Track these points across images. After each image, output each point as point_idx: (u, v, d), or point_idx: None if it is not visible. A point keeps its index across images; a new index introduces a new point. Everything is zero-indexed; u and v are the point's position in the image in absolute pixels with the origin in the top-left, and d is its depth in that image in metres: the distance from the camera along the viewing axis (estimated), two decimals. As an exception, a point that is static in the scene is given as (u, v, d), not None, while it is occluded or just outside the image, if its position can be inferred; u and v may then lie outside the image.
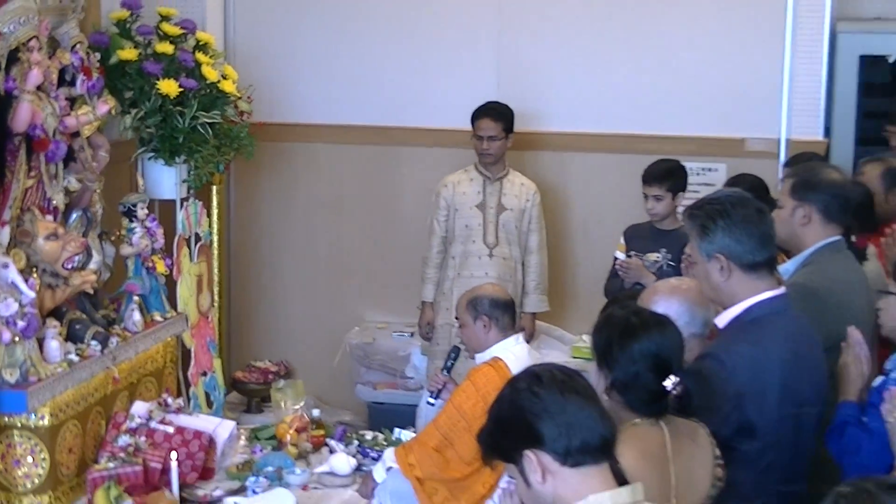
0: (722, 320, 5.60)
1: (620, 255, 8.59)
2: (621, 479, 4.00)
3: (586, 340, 9.15)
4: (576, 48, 10.03)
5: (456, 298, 8.56)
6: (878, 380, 5.83)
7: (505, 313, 6.69)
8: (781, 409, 5.48)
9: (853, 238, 7.41)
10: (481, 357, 6.60)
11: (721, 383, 5.26)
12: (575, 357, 9.19)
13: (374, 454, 6.94)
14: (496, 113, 9.40)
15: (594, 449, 3.84)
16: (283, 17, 10.35)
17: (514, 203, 9.45)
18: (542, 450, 3.81)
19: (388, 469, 6.31)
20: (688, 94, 9.88)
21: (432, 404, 7.15)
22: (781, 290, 5.66)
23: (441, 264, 9.53)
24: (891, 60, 10.57)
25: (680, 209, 8.15)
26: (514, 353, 6.48)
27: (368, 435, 7.51)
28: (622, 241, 8.72)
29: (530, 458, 3.83)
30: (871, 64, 10.45)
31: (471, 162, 9.57)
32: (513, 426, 3.91)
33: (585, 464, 3.83)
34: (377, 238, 10.34)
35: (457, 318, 7.14)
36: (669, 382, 4.74)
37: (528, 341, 9.09)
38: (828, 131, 10.15)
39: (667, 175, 8.64)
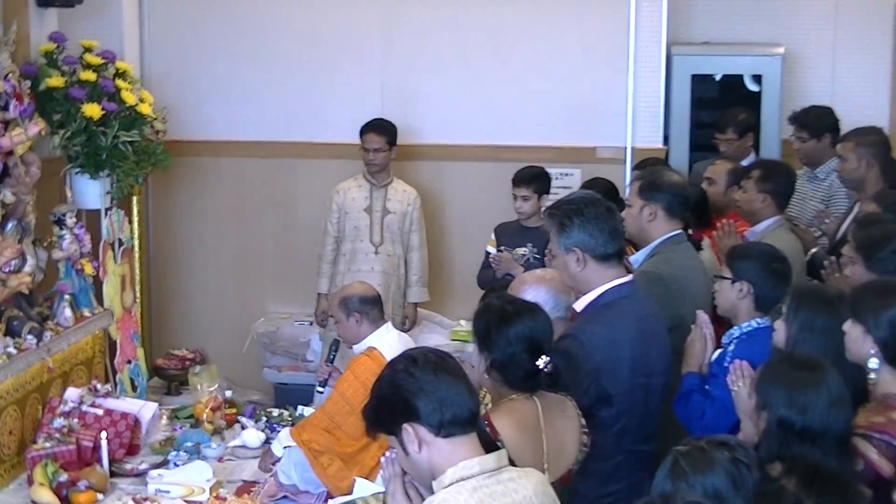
0: (579, 305, 5.67)
1: (492, 250, 8.64)
2: (488, 447, 4.09)
3: (463, 325, 9.24)
4: (450, 71, 10.08)
5: (347, 292, 8.65)
6: (717, 353, 5.94)
7: (374, 307, 6.71)
8: (633, 380, 5.57)
9: (691, 231, 7.54)
10: (358, 348, 6.62)
11: (580, 360, 5.34)
12: (453, 340, 9.24)
13: (280, 429, 6.94)
14: (381, 128, 9.47)
15: (464, 421, 3.92)
16: (192, 46, 10.33)
17: (397, 207, 9.51)
18: (419, 423, 3.90)
19: (286, 448, 6.32)
20: (546, 110, 9.96)
21: (321, 392, 7.17)
22: (629, 277, 5.77)
23: (334, 261, 9.56)
24: (717, 79, 10.80)
25: (543, 209, 8.21)
26: (386, 341, 6.51)
27: (275, 412, 7.53)
28: (493, 237, 8.77)
29: (408, 430, 3.91)
30: (700, 82, 10.63)
31: (360, 171, 9.60)
32: (392, 403, 3.98)
33: (456, 434, 3.91)
34: (278, 239, 10.34)
35: (331, 316, 7.14)
36: (542, 362, 4.80)
37: (411, 328, 9.17)
38: (666, 140, 10.29)
39: (533, 179, 8.72)
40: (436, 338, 9.28)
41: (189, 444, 6.88)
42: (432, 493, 3.93)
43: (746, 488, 3.64)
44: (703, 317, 5.94)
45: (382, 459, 4.19)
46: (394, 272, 9.43)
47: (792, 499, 3.89)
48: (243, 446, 6.91)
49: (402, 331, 7.79)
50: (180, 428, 7.22)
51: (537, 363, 4.80)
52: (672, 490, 3.54)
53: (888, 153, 8.32)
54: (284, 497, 6.13)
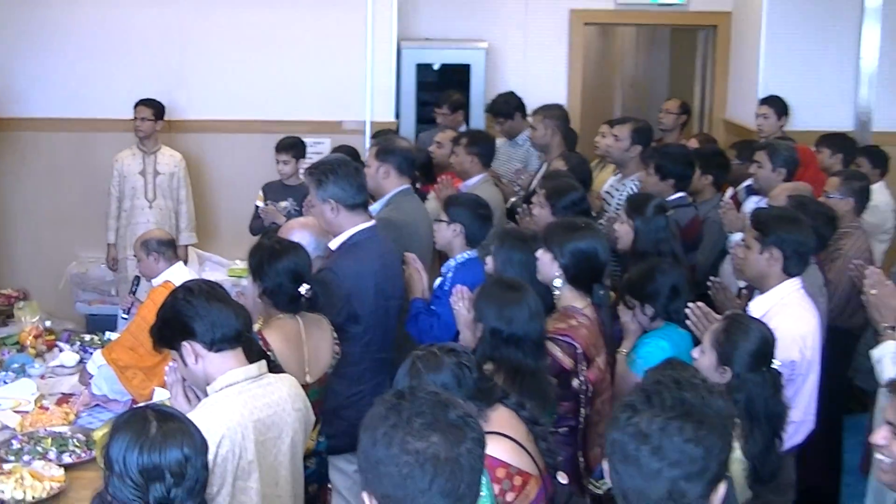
0: (334, 244, 5.71)
1: (260, 204, 8.57)
2: (260, 356, 4.16)
3: (238, 263, 9.18)
4: (222, 60, 9.93)
5: (129, 240, 8.67)
6: (438, 280, 6.06)
7: (169, 248, 6.61)
8: (376, 303, 5.65)
9: (419, 186, 7.65)
10: (156, 281, 6.54)
11: (335, 288, 5.39)
12: (230, 276, 9.15)
13: (91, 350, 6.82)
14: (148, 103, 9.31)
15: (231, 338, 3.95)
16: (11, 35, 9.98)
17: (165, 169, 9.36)
18: (195, 340, 3.92)
19: (99, 366, 6.23)
20: (302, 91, 9.89)
21: (126, 318, 7.07)
22: (373, 222, 5.82)
23: (118, 216, 9.40)
24: (436, 67, 10.89)
25: (301, 171, 8.22)
26: (179, 276, 6.44)
27: (87, 337, 7.34)
28: (261, 193, 8.72)
29: (186, 346, 3.93)
30: (423, 69, 10.76)
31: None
32: (173, 324, 3.98)
33: (225, 349, 3.94)
34: (84, 198, 10.06)
35: (134, 255, 7.05)
36: (303, 289, 4.85)
37: (185, 264, 9.13)
38: (397, 115, 10.37)
39: (292, 146, 8.69)
40: (216, 274, 9.18)
41: (16, 365, 6.69)
42: (207, 395, 3.97)
43: (468, 385, 3.71)
44: (409, 256, 6.02)
45: (166, 368, 4.19)
46: (166, 223, 9.25)
47: (500, 392, 3.99)
48: (61, 366, 6.75)
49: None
50: (7, 353, 7.01)
51: (300, 290, 4.85)
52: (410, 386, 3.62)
53: (567, 123, 8.58)
54: (97, 405, 6.03)
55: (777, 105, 9.45)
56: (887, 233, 7.99)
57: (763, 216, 5.45)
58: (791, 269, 5.24)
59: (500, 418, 3.86)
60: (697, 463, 2.53)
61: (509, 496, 3.69)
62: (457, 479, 2.50)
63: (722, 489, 2.61)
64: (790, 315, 5.12)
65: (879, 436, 3.27)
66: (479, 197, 6.51)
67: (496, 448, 3.70)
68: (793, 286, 5.25)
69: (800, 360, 5.04)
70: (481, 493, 3.44)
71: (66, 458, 5.09)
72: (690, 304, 5.23)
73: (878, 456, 3.33)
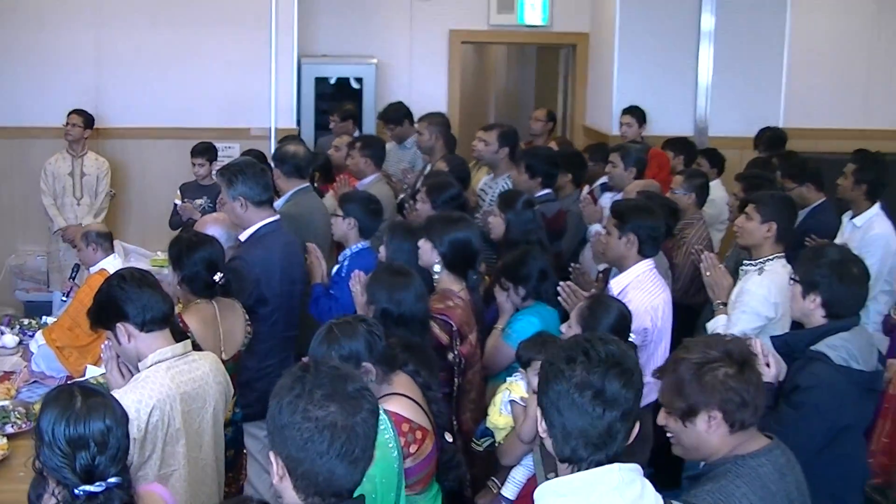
0: (243, 236, 5.68)
1: (178, 202, 8.47)
2: (180, 337, 4.12)
3: (159, 255, 9.03)
4: (140, 70, 9.79)
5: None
6: (336, 268, 6.04)
7: (106, 240, 6.52)
8: (281, 287, 5.64)
9: (317, 185, 7.63)
10: (93, 269, 6.43)
11: (245, 274, 5.35)
12: (153, 265, 9.00)
13: (30, 333, 6.67)
14: (78, 112, 9.22)
15: (160, 320, 3.92)
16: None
17: (91, 171, 9.28)
18: (128, 322, 3.88)
19: (40, 346, 6.10)
20: (214, 102, 9.82)
21: (65, 301, 6.94)
22: (277, 217, 5.79)
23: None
24: (332, 80, 10.85)
25: (214, 172, 8.13)
26: (113, 265, 6.34)
27: (25, 321, 7.18)
28: (179, 192, 8.61)
29: (120, 327, 3.89)
30: (321, 82, 10.72)
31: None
32: (109, 307, 3.94)
33: (154, 330, 3.91)
34: (24, 198, 9.83)
35: (74, 246, 6.93)
36: (217, 276, 4.81)
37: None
38: (298, 122, 10.29)
39: (206, 150, 8.61)
40: (139, 264, 9.02)
41: (-38, 347, 6.57)
42: (139, 371, 3.92)
43: (377, 351, 3.74)
44: (310, 246, 5.99)
45: (102, 347, 4.14)
46: (90, 218, 9.15)
47: (401, 360, 4.03)
48: (3, 347, 6.59)
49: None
50: (-47, 337, 6.86)
51: (214, 278, 4.81)
52: (325, 351, 3.62)
53: (448, 129, 8.59)
54: (35, 381, 5.91)
55: (638, 114, 9.70)
56: (723, 223, 8.10)
57: (621, 207, 5.52)
58: (645, 252, 5.34)
59: (402, 382, 3.91)
60: (629, 403, 2.69)
61: (412, 448, 3.75)
62: (352, 444, 2.51)
63: (637, 425, 2.77)
64: (644, 290, 5.24)
65: (660, 418, 3.33)
66: (371, 194, 6.51)
67: (400, 406, 3.79)
68: (647, 266, 5.36)
69: (651, 328, 5.15)
70: (390, 445, 3.51)
71: (9, 429, 5.01)
72: (562, 283, 5.32)
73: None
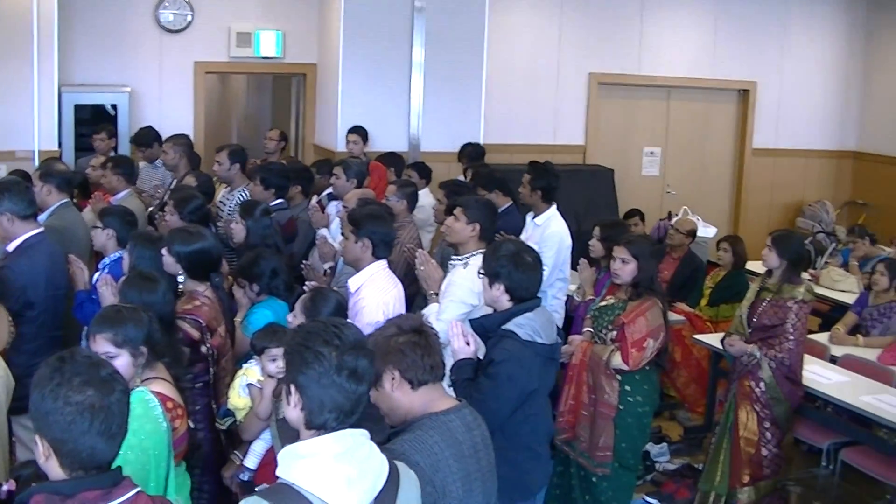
0: (11, 247, 5.51)
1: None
2: None
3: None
4: None
5: None
6: (97, 275, 5.89)
7: None
8: (47, 292, 5.51)
9: (76, 200, 7.45)
10: None
11: (11, 282, 5.25)
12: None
13: None
14: None
15: None
16: None
17: None
18: None
19: None
20: None
21: None
22: (41, 229, 5.66)
23: None
24: (91, 106, 10.48)
25: None
26: None
27: None
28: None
29: None
30: (81, 108, 10.35)
31: None
32: None
33: None
34: None
35: None
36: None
37: None
38: (60, 144, 9.94)
39: None
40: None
41: None
42: None
43: (154, 339, 3.72)
44: (71, 257, 5.72)
45: None
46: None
47: (162, 350, 3.92)
48: None
49: None
50: None
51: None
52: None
53: (192, 148, 8.63)
54: None
55: (362, 133, 9.94)
56: (432, 226, 8.25)
57: (357, 214, 5.45)
58: (379, 254, 5.32)
59: (162, 368, 3.85)
60: (371, 377, 2.77)
61: (176, 422, 3.71)
62: (110, 421, 2.51)
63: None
64: (377, 288, 5.22)
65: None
66: (126, 207, 6.43)
67: (164, 387, 3.73)
68: (380, 266, 5.32)
69: (383, 320, 5.01)
70: (160, 421, 3.47)
71: None
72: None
73: None
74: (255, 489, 3.05)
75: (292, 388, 2.72)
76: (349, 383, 2.67)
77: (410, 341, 3.30)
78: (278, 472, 2.64)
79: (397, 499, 2.77)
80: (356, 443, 2.68)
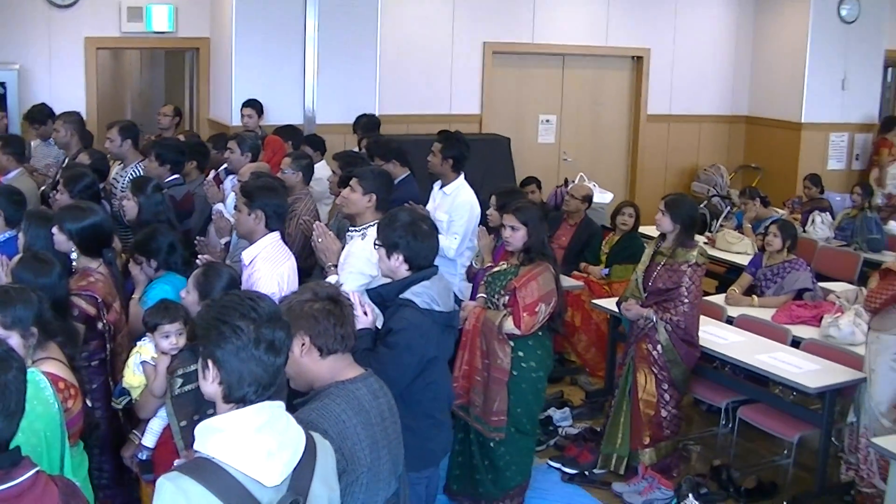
0: None
1: None
2: None
3: None
4: None
5: None
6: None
7: None
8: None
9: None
10: None
11: None
12: None
13: None
14: None
15: None
16: None
17: None
18: None
19: None
20: None
21: None
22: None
23: None
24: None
25: None
26: None
27: None
28: None
29: None
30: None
31: None
32: None
33: None
34: None
35: None
36: None
37: None
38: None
39: None
40: None
41: None
42: None
43: (44, 318, 3.68)
44: None
45: None
46: None
47: (55, 331, 3.87)
48: None
49: None
50: None
51: None
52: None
53: (83, 126, 8.44)
54: None
55: (257, 107, 9.81)
56: (329, 198, 8.16)
57: (249, 187, 5.38)
58: (271, 226, 5.27)
59: (55, 348, 3.79)
60: (288, 348, 2.76)
61: (69, 403, 3.66)
62: (8, 399, 2.48)
63: None
64: (271, 260, 5.18)
65: None
66: (14, 187, 6.24)
67: (56, 367, 3.68)
68: (273, 238, 5.29)
69: (278, 292, 5.01)
70: (51, 401, 3.41)
71: None
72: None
73: None
74: (174, 465, 3.01)
75: (209, 362, 2.69)
76: (267, 356, 2.66)
77: (325, 308, 3.29)
78: (196, 447, 2.63)
79: (315, 469, 2.77)
80: (275, 415, 2.67)
